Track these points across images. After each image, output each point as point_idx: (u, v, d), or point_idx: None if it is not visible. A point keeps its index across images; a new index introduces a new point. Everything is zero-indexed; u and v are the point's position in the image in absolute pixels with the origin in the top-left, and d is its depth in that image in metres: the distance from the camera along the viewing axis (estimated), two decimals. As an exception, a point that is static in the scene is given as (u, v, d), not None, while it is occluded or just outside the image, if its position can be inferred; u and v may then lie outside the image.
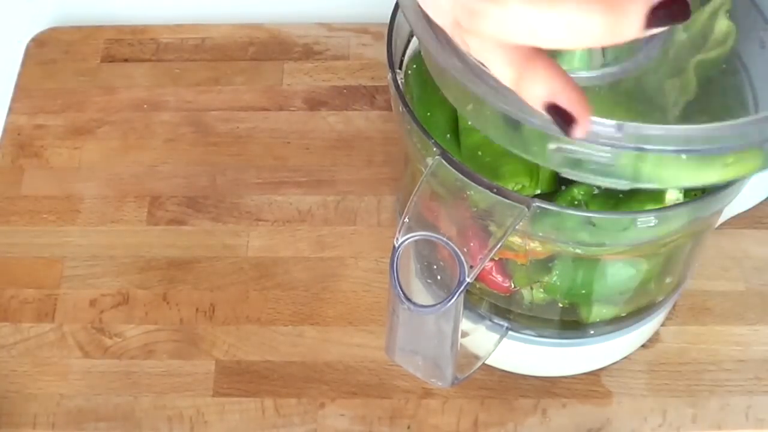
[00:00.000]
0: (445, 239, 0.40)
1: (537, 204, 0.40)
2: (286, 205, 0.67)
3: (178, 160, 0.69)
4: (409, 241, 0.40)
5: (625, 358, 0.59)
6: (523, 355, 0.56)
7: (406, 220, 0.41)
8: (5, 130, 0.71)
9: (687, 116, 0.43)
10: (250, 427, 0.57)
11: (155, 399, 0.59)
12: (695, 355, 0.59)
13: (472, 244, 0.41)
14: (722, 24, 0.43)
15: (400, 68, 0.48)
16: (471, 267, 0.40)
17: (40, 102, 0.72)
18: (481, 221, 0.42)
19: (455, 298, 0.40)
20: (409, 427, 0.57)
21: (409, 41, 0.49)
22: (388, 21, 0.46)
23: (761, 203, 0.62)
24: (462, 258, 0.40)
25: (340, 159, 0.69)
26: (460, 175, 0.41)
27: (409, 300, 0.41)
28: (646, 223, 0.40)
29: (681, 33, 0.44)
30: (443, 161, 0.41)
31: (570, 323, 0.53)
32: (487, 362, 0.58)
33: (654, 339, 0.60)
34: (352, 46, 0.75)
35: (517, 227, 0.41)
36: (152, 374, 0.60)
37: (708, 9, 0.44)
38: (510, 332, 0.53)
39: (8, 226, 0.66)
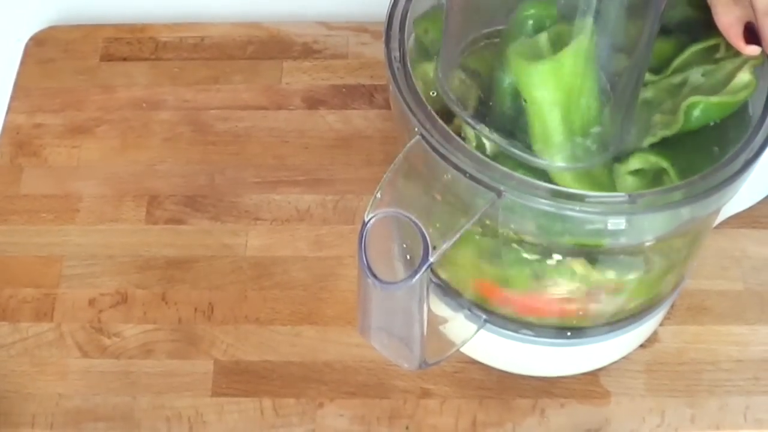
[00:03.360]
0: (413, 218, 0.40)
1: (508, 193, 0.40)
2: (284, 204, 0.66)
3: (176, 159, 0.69)
4: (377, 217, 0.40)
5: (623, 358, 0.59)
6: (521, 355, 0.56)
7: (378, 195, 0.41)
8: (4, 128, 0.71)
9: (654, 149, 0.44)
10: (248, 427, 0.57)
11: (154, 399, 0.59)
12: (694, 355, 0.59)
13: (438, 225, 0.41)
14: (744, 76, 0.43)
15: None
16: (434, 248, 0.40)
17: (38, 101, 0.72)
18: (452, 204, 0.42)
19: (418, 276, 0.40)
20: (407, 428, 0.57)
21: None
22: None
23: (760, 203, 0.62)
24: (427, 237, 0.40)
25: (339, 158, 0.69)
26: (436, 156, 0.41)
27: (374, 275, 0.40)
28: (616, 225, 0.41)
29: (698, 76, 0.45)
30: (422, 140, 0.42)
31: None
32: (485, 362, 0.58)
33: (652, 339, 0.60)
34: (351, 45, 0.75)
35: (487, 215, 0.41)
36: (151, 374, 0.60)
37: (738, 60, 0.44)
38: (513, 333, 0.53)
39: (7, 225, 0.66)
